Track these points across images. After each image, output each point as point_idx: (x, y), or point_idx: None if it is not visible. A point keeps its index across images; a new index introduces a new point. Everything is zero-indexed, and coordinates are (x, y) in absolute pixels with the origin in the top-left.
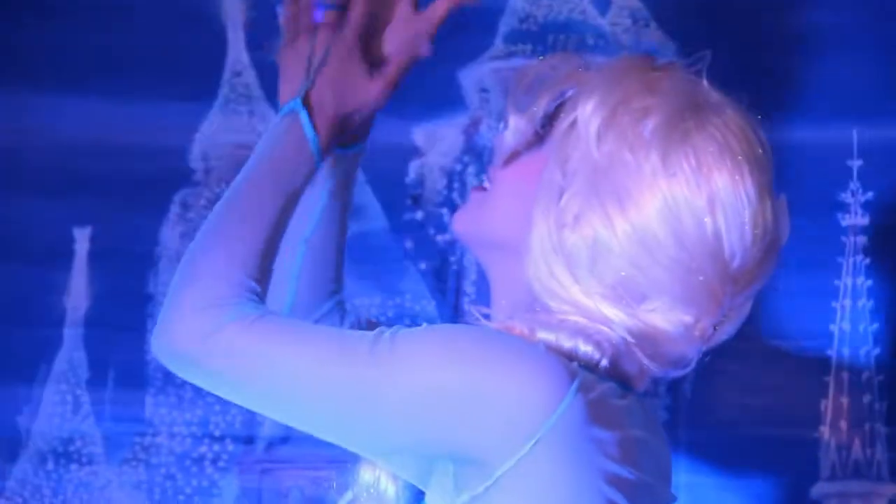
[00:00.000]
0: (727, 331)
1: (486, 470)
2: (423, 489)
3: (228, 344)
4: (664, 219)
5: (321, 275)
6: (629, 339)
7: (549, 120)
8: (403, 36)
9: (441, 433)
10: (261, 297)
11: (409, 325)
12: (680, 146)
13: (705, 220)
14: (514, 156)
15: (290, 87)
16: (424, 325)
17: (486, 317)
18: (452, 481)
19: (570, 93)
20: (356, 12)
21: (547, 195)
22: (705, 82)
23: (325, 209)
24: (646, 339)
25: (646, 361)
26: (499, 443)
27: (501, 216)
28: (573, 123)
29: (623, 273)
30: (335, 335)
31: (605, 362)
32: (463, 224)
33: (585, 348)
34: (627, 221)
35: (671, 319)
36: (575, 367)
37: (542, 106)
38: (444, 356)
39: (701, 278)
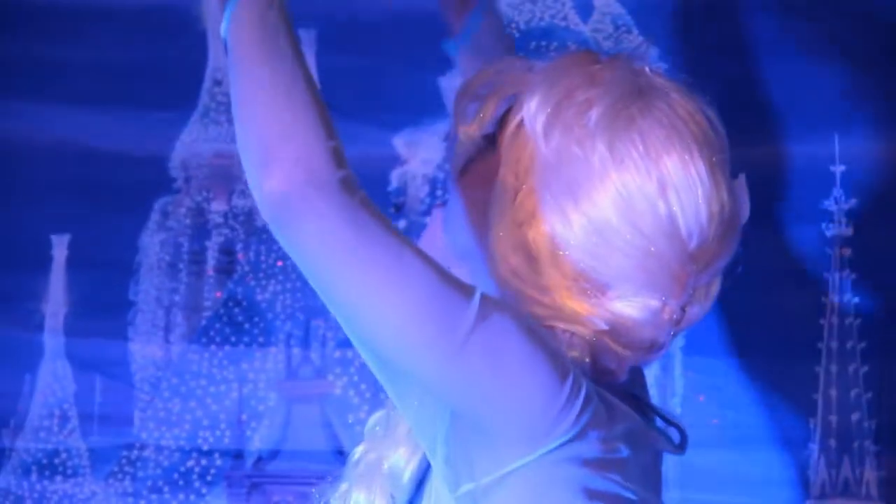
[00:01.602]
0: (696, 312)
1: (498, 459)
2: (429, 457)
3: (343, 208)
4: (618, 207)
5: None
6: (602, 327)
7: (499, 125)
8: None
9: (487, 392)
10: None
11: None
12: (626, 133)
13: (658, 203)
14: (467, 164)
15: None
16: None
17: None
18: (455, 468)
19: (515, 95)
20: None
21: (502, 197)
22: (648, 69)
23: None
24: (615, 328)
25: (620, 350)
26: (522, 434)
27: (463, 225)
28: (520, 124)
29: (583, 265)
30: (433, 277)
31: (587, 365)
32: (427, 243)
33: (574, 355)
34: (582, 214)
35: (637, 305)
36: (593, 389)
37: (489, 111)
38: (521, 333)
39: (661, 261)
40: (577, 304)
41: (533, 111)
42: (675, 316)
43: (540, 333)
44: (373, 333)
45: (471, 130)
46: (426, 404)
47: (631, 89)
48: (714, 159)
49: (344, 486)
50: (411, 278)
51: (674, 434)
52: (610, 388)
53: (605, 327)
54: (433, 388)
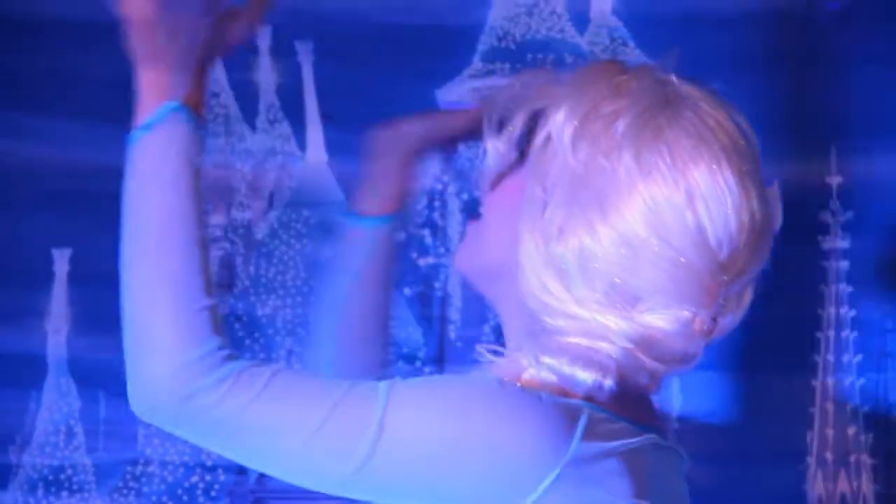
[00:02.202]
0: (728, 322)
1: None
2: None
3: (210, 409)
4: (646, 219)
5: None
6: (629, 346)
7: (527, 138)
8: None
9: (440, 487)
10: (217, 322)
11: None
12: (653, 144)
13: (686, 214)
14: (498, 179)
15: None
16: (422, 377)
17: (495, 353)
18: None
19: (543, 108)
20: None
21: (531, 211)
22: (675, 78)
23: (355, 287)
24: (646, 341)
25: (650, 364)
26: (503, 493)
27: (494, 242)
28: (548, 137)
29: (613, 278)
30: (324, 393)
31: (609, 383)
32: (462, 260)
33: (588, 375)
34: (610, 227)
35: (668, 317)
36: (579, 409)
37: (517, 125)
38: (441, 414)
39: (691, 272)
40: (606, 319)
41: (560, 124)
42: (706, 327)
43: (480, 387)
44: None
45: (500, 145)
46: None
47: (658, 99)
48: (744, 168)
49: None
50: (291, 425)
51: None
52: (637, 404)
53: (632, 345)
54: None
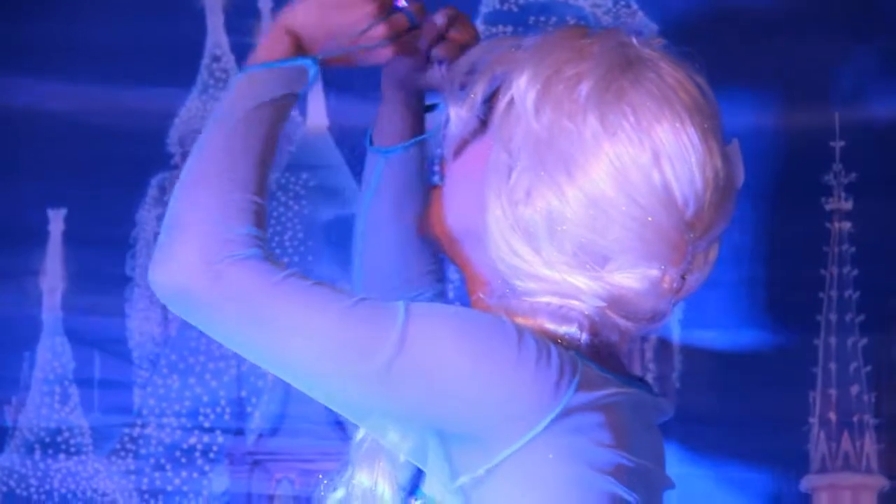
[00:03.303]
0: (697, 279)
1: (488, 452)
2: (421, 467)
3: (238, 287)
4: (613, 179)
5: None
6: (601, 304)
7: (489, 104)
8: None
9: (444, 410)
10: (264, 229)
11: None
12: (616, 105)
13: (652, 173)
14: (461, 146)
15: None
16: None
17: None
18: (449, 463)
19: (504, 73)
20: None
21: (496, 176)
22: (636, 39)
23: (377, 209)
24: (616, 300)
25: (621, 323)
26: (503, 427)
27: (458, 207)
28: (510, 102)
29: (582, 239)
30: (347, 309)
31: (584, 338)
32: (428, 226)
33: (567, 329)
34: (577, 188)
35: (637, 276)
36: (577, 359)
37: (479, 91)
38: (454, 338)
39: (658, 230)
40: (576, 279)
41: (523, 88)
42: (675, 284)
43: (494, 324)
44: (306, 380)
45: (462, 111)
46: (406, 435)
47: (620, 61)
48: (706, 125)
49: (349, 471)
50: (315, 321)
51: (664, 404)
52: (610, 359)
53: (603, 303)
54: (392, 418)
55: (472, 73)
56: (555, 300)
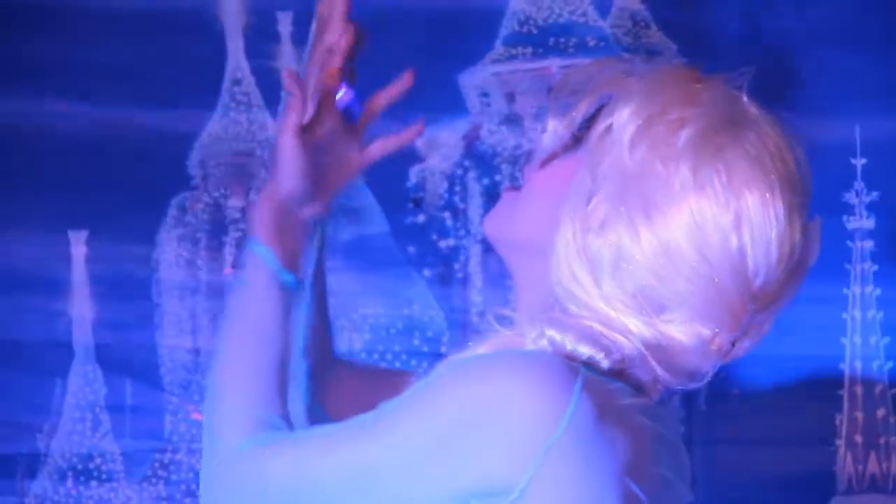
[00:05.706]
0: (745, 347)
1: (509, 489)
2: None
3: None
4: (690, 232)
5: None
6: (643, 350)
7: (587, 124)
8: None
9: (460, 473)
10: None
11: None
12: (712, 161)
13: (731, 236)
14: (550, 158)
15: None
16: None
17: (504, 318)
18: None
19: (609, 98)
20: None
21: (576, 198)
22: (745, 97)
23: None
24: (661, 349)
25: (659, 371)
26: (513, 460)
27: (531, 217)
28: (608, 128)
29: (644, 283)
30: (332, 437)
31: (605, 363)
32: (493, 225)
33: (588, 351)
34: (653, 233)
35: (688, 332)
36: (577, 366)
37: (580, 110)
38: (436, 400)
39: (722, 294)
40: (629, 320)
41: (624, 119)
42: (724, 348)
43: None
44: None
45: (560, 126)
46: None
47: (725, 116)
48: (794, 201)
49: None
50: (325, 471)
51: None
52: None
53: (647, 351)
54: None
55: (579, 90)
56: (598, 327)
